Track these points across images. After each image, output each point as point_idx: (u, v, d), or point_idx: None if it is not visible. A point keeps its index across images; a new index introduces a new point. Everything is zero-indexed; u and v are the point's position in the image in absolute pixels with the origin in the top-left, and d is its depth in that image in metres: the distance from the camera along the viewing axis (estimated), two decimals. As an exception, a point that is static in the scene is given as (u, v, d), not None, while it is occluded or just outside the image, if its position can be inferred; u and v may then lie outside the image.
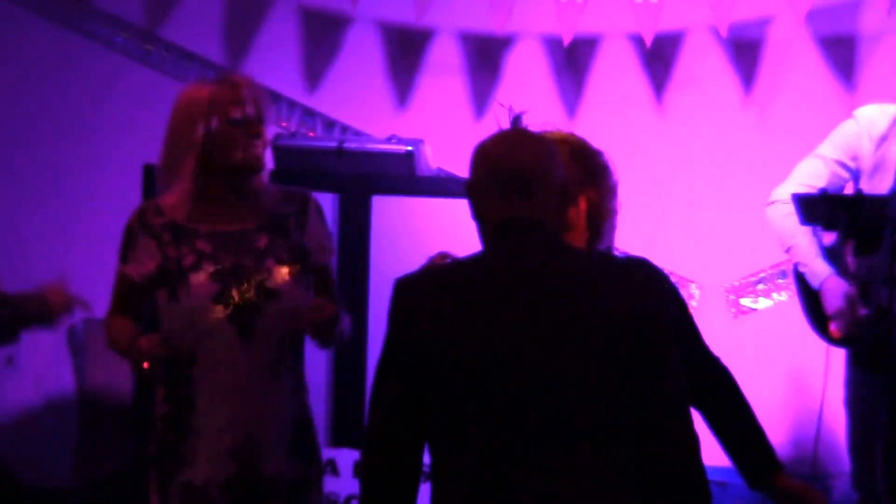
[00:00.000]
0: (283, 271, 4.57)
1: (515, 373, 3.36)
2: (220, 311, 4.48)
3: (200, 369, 4.45)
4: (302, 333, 4.55)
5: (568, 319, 3.38)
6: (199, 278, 4.48)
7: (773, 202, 5.87)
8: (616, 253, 4.14)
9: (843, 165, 5.81)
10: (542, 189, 3.47)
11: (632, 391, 3.42)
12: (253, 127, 4.50)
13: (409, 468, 3.47)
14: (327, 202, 6.44)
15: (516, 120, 3.86)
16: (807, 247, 5.78)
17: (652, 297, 3.46)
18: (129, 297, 4.55)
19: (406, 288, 3.46)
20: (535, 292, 3.39)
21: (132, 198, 6.23)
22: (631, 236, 4.75)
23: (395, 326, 3.44)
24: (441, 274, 3.54)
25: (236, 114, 4.46)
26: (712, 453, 4.56)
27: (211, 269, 4.47)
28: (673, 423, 3.49)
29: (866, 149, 5.77)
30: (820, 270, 5.72)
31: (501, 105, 3.96)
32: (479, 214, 3.51)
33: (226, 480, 4.44)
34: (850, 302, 5.65)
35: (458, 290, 3.41)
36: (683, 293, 5.39)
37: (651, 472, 3.54)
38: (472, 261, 3.46)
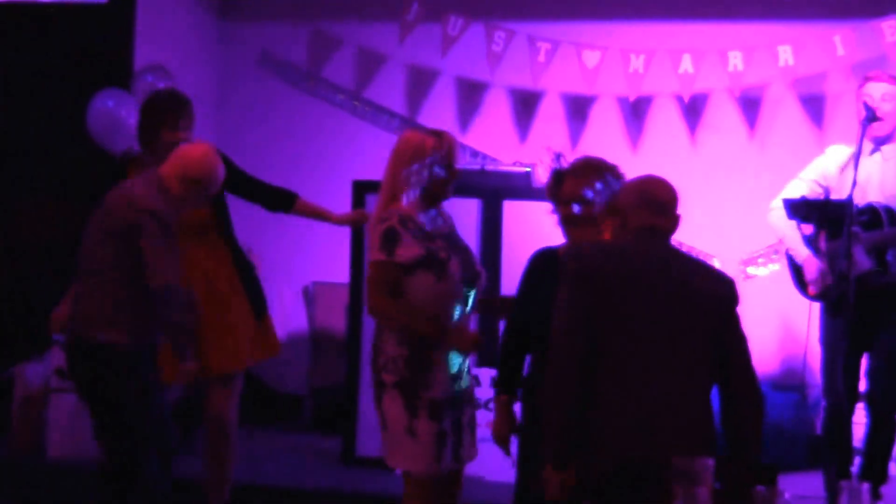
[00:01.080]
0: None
1: (655, 321, 4.19)
2: (461, 289, 5.08)
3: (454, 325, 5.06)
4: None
5: (685, 291, 4.26)
6: (454, 266, 5.06)
7: (771, 209, 6.57)
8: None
9: (818, 183, 6.48)
10: (671, 211, 4.41)
11: (718, 342, 4.25)
12: (453, 171, 5.15)
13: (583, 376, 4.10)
14: (474, 206, 7.35)
15: (558, 157, 4.97)
16: (793, 236, 6.48)
17: (727, 288, 4.37)
18: (395, 280, 5.00)
19: (583, 253, 4.29)
20: (667, 272, 4.28)
21: (344, 205, 7.24)
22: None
23: (578, 277, 4.19)
24: (606, 247, 4.37)
25: (448, 161, 5.12)
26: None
27: (457, 259, 5.08)
28: (745, 361, 4.34)
29: (832, 173, 6.46)
30: (802, 252, 6.46)
31: (547, 147, 5.04)
32: (624, 222, 4.36)
33: (451, 394, 5.10)
34: (822, 273, 6.35)
35: (621, 259, 4.26)
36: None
37: (730, 390, 4.29)
38: (624, 245, 4.33)
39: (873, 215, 6.33)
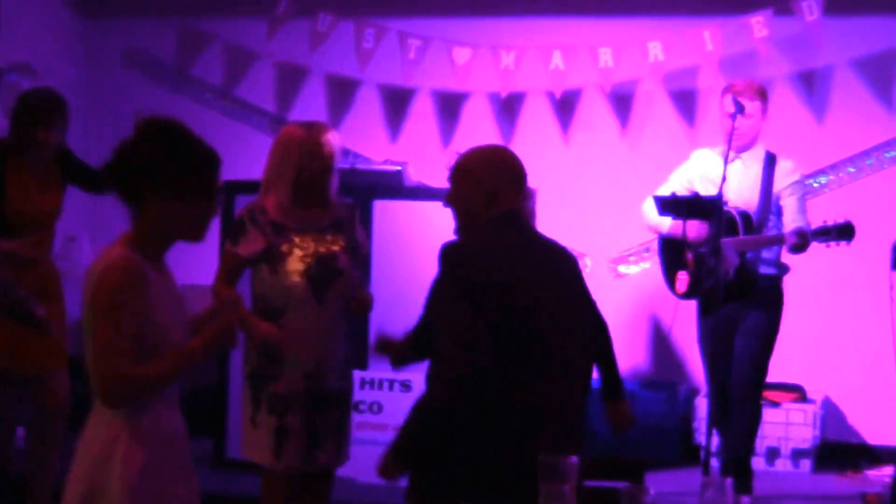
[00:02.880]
0: (345, 259, 5.20)
1: (546, 325, 4.07)
2: (304, 284, 5.10)
3: (287, 321, 5.10)
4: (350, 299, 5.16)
5: (559, 270, 4.20)
6: (293, 261, 5.11)
7: (644, 207, 6.85)
8: None
9: (684, 187, 6.78)
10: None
11: (586, 314, 4.31)
12: (328, 160, 5.15)
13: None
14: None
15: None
16: (668, 221, 6.68)
17: (576, 262, 4.35)
18: (237, 270, 5.17)
19: (462, 249, 4.10)
20: (542, 256, 4.18)
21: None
22: (545, 224, 5.43)
23: (470, 285, 3.97)
24: (482, 240, 4.13)
25: (321, 153, 5.11)
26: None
27: (300, 254, 5.12)
28: (599, 319, 4.64)
29: (696, 178, 6.77)
30: (668, 223, 6.67)
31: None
32: (492, 202, 4.09)
33: (301, 391, 5.09)
34: (703, 233, 6.43)
35: (501, 252, 4.08)
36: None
37: (600, 348, 4.59)
38: (499, 233, 4.11)
39: (729, 221, 6.50)
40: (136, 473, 3.53)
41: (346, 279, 5.17)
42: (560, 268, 4.19)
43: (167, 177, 3.54)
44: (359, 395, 6.91)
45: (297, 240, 5.12)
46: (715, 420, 6.52)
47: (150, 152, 3.53)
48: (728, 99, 6.63)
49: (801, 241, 6.38)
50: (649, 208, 6.76)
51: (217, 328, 3.58)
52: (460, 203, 4.14)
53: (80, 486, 3.56)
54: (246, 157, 7.28)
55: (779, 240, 6.50)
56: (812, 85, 8.41)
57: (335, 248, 5.17)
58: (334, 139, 5.20)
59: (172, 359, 3.54)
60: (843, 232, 6.41)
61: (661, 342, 8.45)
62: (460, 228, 4.20)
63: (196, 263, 8.12)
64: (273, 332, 5.02)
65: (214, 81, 9.13)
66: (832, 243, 6.45)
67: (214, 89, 9.12)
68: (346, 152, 8.14)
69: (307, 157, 5.10)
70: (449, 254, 4.03)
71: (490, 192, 4.09)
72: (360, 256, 5.33)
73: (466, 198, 4.14)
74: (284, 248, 5.09)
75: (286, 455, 5.09)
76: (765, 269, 6.71)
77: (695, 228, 6.54)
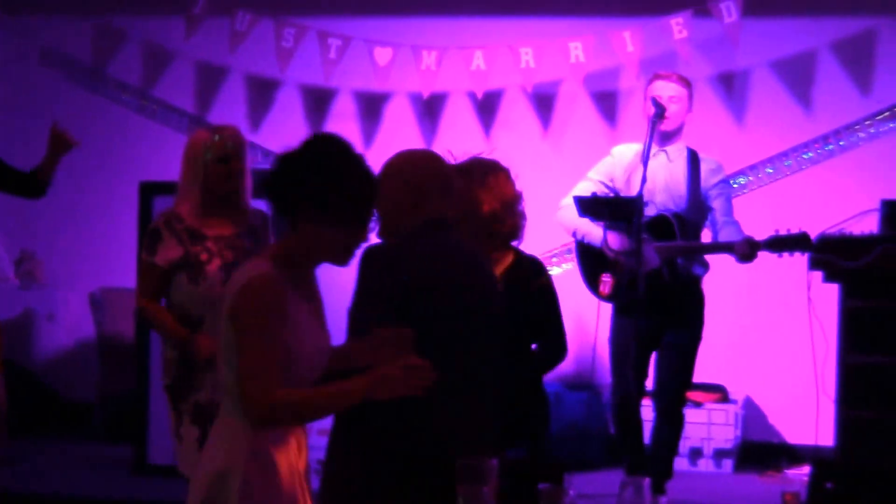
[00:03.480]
0: None
1: (460, 309, 4.04)
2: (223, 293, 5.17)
3: (206, 329, 5.03)
4: None
5: (484, 283, 4.16)
6: (212, 269, 5.07)
7: (561, 207, 6.71)
8: None
9: (604, 184, 6.65)
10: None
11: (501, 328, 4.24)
12: (232, 163, 5.11)
13: None
14: (264, 207, 6.88)
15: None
16: (587, 225, 6.54)
17: (495, 279, 4.33)
18: (158, 281, 5.10)
19: (386, 253, 4.02)
20: (469, 266, 4.13)
21: (131, 207, 7.33)
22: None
23: (386, 280, 3.91)
24: (407, 245, 4.04)
25: (225, 156, 5.09)
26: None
27: (219, 262, 5.08)
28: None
29: (619, 173, 6.64)
30: (598, 234, 6.52)
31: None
32: (419, 206, 4.01)
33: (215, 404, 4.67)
34: (624, 246, 6.37)
35: (426, 258, 4.01)
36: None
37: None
38: (425, 239, 4.02)
39: (665, 224, 6.45)
40: (253, 495, 3.48)
41: None
42: (485, 281, 4.13)
43: (328, 203, 3.45)
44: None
45: (214, 247, 5.09)
46: (622, 423, 6.56)
47: (315, 174, 3.44)
48: (650, 101, 6.61)
49: (752, 251, 6.26)
50: (568, 211, 6.66)
51: (388, 374, 3.43)
52: (386, 205, 4.04)
53: (199, 493, 3.55)
54: (164, 158, 7.24)
55: (727, 248, 6.37)
56: (731, 86, 8.49)
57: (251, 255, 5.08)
58: (240, 142, 5.16)
59: (329, 394, 3.46)
60: (800, 243, 6.26)
61: (584, 344, 8.21)
62: (383, 231, 4.12)
63: (113, 265, 8.52)
64: (205, 343, 4.98)
65: (133, 81, 9.07)
66: (786, 253, 6.30)
67: (132, 89, 9.06)
68: (267, 153, 8.33)
69: (212, 161, 5.07)
70: (373, 258, 3.96)
71: (418, 196, 4.02)
72: None
73: (393, 200, 4.05)
74: (203, 256, 5.06)
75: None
76: (696, 269, 6.67)
77: (616, 241, 6.51)
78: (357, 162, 3.50)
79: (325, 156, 3.47)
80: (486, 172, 4.77)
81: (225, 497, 3.49)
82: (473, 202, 4.66)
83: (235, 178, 5.10)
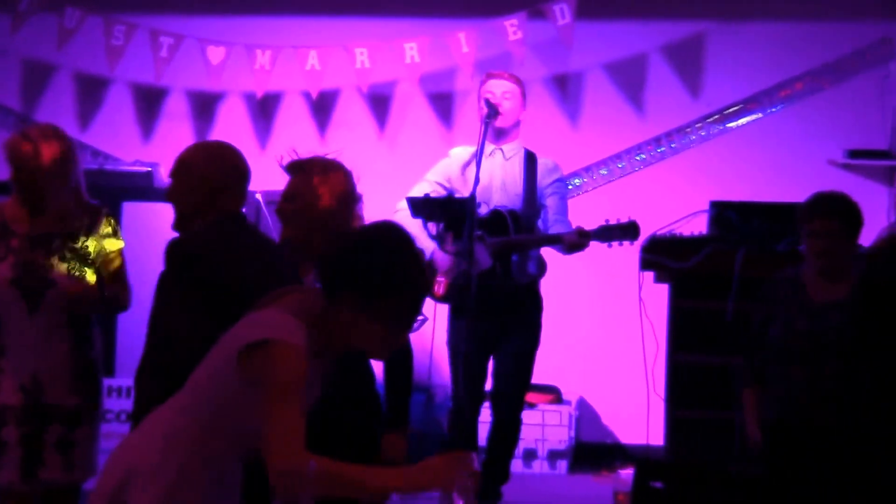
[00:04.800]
0: (62, 267, 5.00)
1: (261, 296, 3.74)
2: (13, 292, 4.97)
3: (0, 331, 4.97)
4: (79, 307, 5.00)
5: (285, 272, 4.13)
6: (3, 268, 4.98)
7: (398, 210, 6.71)
8: None
9: (441, 185, 6.73)
10: None
11: None
12: (33, 165, 4.92)
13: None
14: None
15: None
16: (419, 233, 6.48)
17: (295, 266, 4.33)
18: None
19: (191, 244, 4.05)
20: (271, 257, 4.16)
21: None
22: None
23: (192, 272, 3.95)
24: (210, 237, 4.09)
25: (26, 159, 4.91)
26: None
27: (13, 260, 4.99)
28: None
29: (455, 174, 6.74)
30: (429, 246, 6.53)
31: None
32: (216, 199, 4.08)
33: (17, 405, 4.97)
34: (451, 266, 6.48)
35: (230, 250, 4.05)
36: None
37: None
38: (226, 232, 4.08)
39: (499, 220, 6.50)
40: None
41: (63, 290, 4.97)
42: (282, 275, 4.09)
43: (379, 300, 3.25)
44: (106, 403, 6.54)
45: (16, 246, 4.98)
46: (457, 426, 6.57)
47: (372, 269, 3.24)
48: (483, 101, 6.64)
49: (582, 240, 6.31)
50: (403, 215, 6.66)
51: (441, 473, 3.17)
52: (182, 198, 4.11)
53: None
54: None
55: (556, 239, 6.42)
56: (565, 88, 8.58)
57: (55, 256, 5.01)
58: (48, 144, 4.95)
59: (368, 472, 3.21)
60: (628, 231, 6.36)
61: (420, 347, 8.25)
62: (178, 224, 4.16)
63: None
64: None
65: (-45, 78, 8.87)
66: (615, 243, 6.39)
67: (-45, 87, 8.86)
68: (96, 153, 8.31)
69: (16, 163, 4.95)
70: (178, 249, 3.98)
71: (214, 189, 4.08)
72: (98, 263, 5.09)
73: (189, 193, 4.11)
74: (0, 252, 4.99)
75: (3, 470, 4.93)
76: (531, 268, 6.70)
77: (444, 261, 6.54)
78: (418, 263, 3.34)
79: (390, 256, 3.29)
80: (325, 169, 4.70)
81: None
82: (310, 197, 4.55)
83: (41, 181, 4.96)
